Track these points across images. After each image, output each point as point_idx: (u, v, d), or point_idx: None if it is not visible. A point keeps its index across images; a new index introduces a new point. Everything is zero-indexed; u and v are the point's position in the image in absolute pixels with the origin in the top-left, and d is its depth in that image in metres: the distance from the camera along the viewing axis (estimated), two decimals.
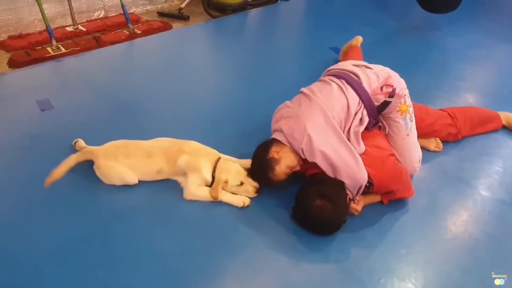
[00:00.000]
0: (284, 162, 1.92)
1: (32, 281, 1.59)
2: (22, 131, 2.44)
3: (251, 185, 2.01)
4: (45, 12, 3.74)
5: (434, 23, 4.64)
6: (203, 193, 1.99)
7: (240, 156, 2.19)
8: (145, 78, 3.19)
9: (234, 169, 2.02)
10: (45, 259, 1.68)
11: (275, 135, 2.00)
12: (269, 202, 2.02)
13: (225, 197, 1.99)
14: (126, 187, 2.03)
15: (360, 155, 1.90)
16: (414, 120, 2.19)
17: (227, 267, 1.71)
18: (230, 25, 4.62)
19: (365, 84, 2.05)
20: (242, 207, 1.97)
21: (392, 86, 2.07)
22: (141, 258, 1.71)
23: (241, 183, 2.00)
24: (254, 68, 3.50)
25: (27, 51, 3.68)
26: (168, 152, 2.06)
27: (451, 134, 2.48)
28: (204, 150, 2.11)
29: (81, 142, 2.23)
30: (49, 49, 3.75)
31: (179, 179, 2.08)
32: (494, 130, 2.66)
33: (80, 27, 4.30)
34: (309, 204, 1.78)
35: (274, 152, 1.93)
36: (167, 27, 4.61)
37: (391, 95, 2.06)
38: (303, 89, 2.12)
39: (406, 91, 2.15)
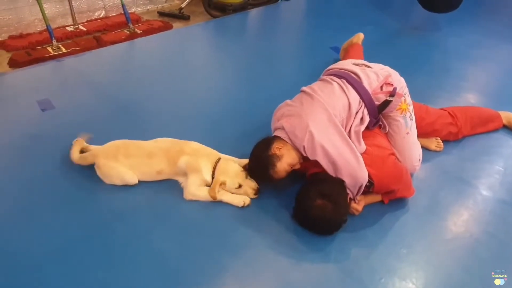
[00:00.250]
0: (285, 159, 1.91)
1: (32, 281, 1.59)
2: (22, 131, 2.44)
3: (250, 187, 2.00)
4: (46, 12, 3.74)
5: (435, 23, 4.63)
6: (203, 193, 1.98)
7: (241, 156, 2.18)
8: (145, 78, 3.19)
9: (233, 171, 2.01)
10: (45, 259, 1.67)
11: (277, 133, 1.99)
12: (269, 202, 2.02)
13: (225, 197, 1.99)
14: (126, 187, 2.03)
15: (360, 154, 1.90)
16: (414, 119, 2.18)
17: (227, 267, 1.71)
18: (230, 25, 4.62)
19: (366, 84, 2.05)
20: (243, 207, 1.97)
21: (392, 84, 2.07)
22: (141, 258, 1.71)
23: (240, 186, 2.00)
24: (254, 68, 3.50)
25: (27, 51, 3.68)
26: (169, 152, 2.06)
27: (452, 134, 2.48)
28: (204, 151, 2.11)
29: (81, 142, 2.22)
30: (49, 49, 3.75)
31: (180, 179, 2.08)
32: (495, 130, 2.66)
33: (81, 27, 4.30)
34: (310, 204, 1.77)
35: (276, 148, 1.92)
36: (168, 27, 4.61)
37: (392, 94, 2.06)
38: (304, 88, 2.11)
39: (406, 90, 2.15)
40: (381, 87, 2.07)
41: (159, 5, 5.33)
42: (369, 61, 2.26)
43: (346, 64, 2.22)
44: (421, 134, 2.31)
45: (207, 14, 5.05)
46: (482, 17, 5.06)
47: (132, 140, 2.13)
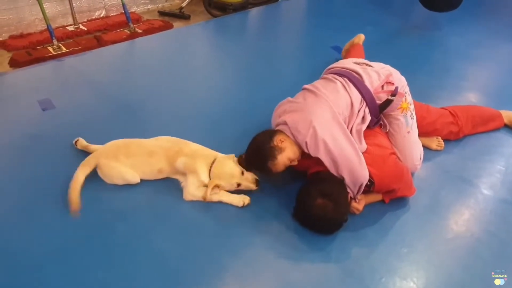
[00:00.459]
0: (286, 153, 1.90)
1: (32, 281, 1.59)
2: (23, 130, 2.44)
3: (249, 182, 1.98)
4: (46, 12, 3.74)
5: (435, 22, 4.62)
6: (202, 194, 1.98)
7: None
8: (146, 77, 3.19)
9: (227, 172, 1.98)
10: (45, 259, 1.67)
11: (279, 128, 1.98)
12: (269, 201, 2.02)
13: (225, 197, 1.99)
14: (126, 186, 2.03)
15: (361, 153, 1.89)
16: (415, 118, 2.18)
17: (228, 266, 1.70)
18: (231, 24, 4.61)
19: (367, 83, 2.05)
20: (242, 207, 1.96)
21: (393, 83, 2.07)
22: (141, 258, 1.71)
23: (238, 185, 1.99)
24: (254, 67, 3.50)
25: (28, 51, 3.68)
26: (168, 152, 2.06)
27: (453, 133, 2.47)
28: (202, 152, 2.10)
29: (82, 141, 2.22)
30: (50, 48, 3.74)
31: (180, 178, 2.08)
32: (496, 129, 2.65)
33: (81, 27, 4.30)
34: (311, 203, 1.77)
35: (278, 140, 1.90)
36: (168, 26, 4.61)
37: (394, 93, 2.05)
38: (307, 86, 2.11)
39: (407, 89, 2.15)
40: (382, 86, 2.06)
41: (160, 5, 5.33)
42: (370, 61, 2.26)
43: (347, 63, 2.22)
44: (422, 133, 2.30)
45: (207, 14, 5.06)
46: (483, 16, 5.05)
47: (133, 139, 2.13)
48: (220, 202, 1.98)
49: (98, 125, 2.50)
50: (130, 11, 4.49)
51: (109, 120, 2.59)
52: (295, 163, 1.96)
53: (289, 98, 2.10)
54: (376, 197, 2.01)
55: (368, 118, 2.04)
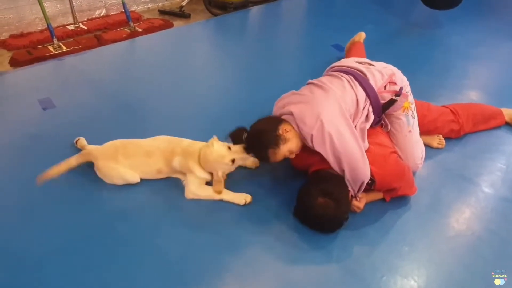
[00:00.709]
0: (289, 144, 1.87)
1: (32, 281, 1.60)
2: (23, 130, 2.44)
3: (241, 153, 1.94)
4: (46, 11, 3.74)
5: (436, 21, 4.61)
6: (203, 192, 1.99)
7: None
8: (146, 76, 3.19)
9: (216, 156, 1.92)
10: (46, 259, 1.68)
11: (284, 118, 1.95)
12: (270, 200, 2.02)
13: (227, 196, 1.99)
14: (127, 186, 2.03)
15: None
16: (416, 117, 2.17)
17: (229, 265, 1.71)
18: (231, 23, 4.61)
19: (372, 82, 2.04)
20: (244, 205, 1.96)
21: (395, 83, 2.06)
22: (142, 257, 1.71)
23: (233, 161, 1.94)
24: (255, 66, 3.49)
25: (28, 50, 3.69)
26: (165, 153, 2.04)
27: (454, 131, 2.47)
28: (188, 150, 2.04)
29: (82, 141, 2.23)
30: (50, 47, 3.75)
31: (181, 176, 2.08)
32: (497, 127, 2.65)
33: (81, 26, 4.30)
34: (311, 202, 1.77)
35: (283, 130, 1.88)
36: (168, 25, 4.61)
37: (398, 94, 2.05)
38: (313, 80, 2.09)
39: (408, 88, 2.14)
40: (385, 86, 2.06)
41: (160, 4, 5.32)
42: (371, 60, 2.25)
43: (350, 62, 2.21)
44: (423, 132, 2.30)
45: (207, 12, 5.05)
46: (484, 15, 5.04)
47: (131, 139, 2.12)
48: (221, 201, 1.98)
49: (99, 124, 2.50)
50: (130, 10, 4.49)
51: (110, 119, 2.59)
52: (293, 156, 1.94)
53: (294, 91, 2.08)
54: (377, 195, 2.01)
55: (372, 117, 2.03)
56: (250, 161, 2.13)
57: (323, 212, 1.75)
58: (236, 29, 4.51)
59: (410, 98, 2.14)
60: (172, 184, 2.07)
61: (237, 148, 1.95)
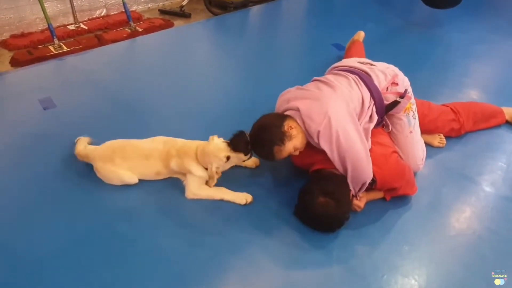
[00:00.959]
0: (294, 142, 1.86)
1: (32, 281, 1.60)
2: (24, 129, 2.44)
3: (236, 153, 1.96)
4: (47, 11, 3.74)
5: (437, 19, 4.61)
6: (204, 192, 1.98)
7: None
8: (146, 76, 3.19)
9: (213, 150, 1.94)
10: (46, 259, 1.68)
11: (289, 113, 1.93)
12: (271, 200, 2.02)
13: (228, 195, 1.99)
14: (127, 186, 2.03)
15: None
16: (417, 118, 2.17)
17: (230, 265, 1.71)
18: (231, 22, 4.61)
19: (376, 82, 2.04)
20: (245, 205, 1.96)
21: (397, 84, 2.06)
22: (142, 257, 1.71)
23: (227, 158, 1.95)
24: (255, 66, 3.49)
25: (29, 50, 3.69)
26: (162, 155, 2.04)
27: (454, 130, 2.47)
28: (184, 149, 2.03)
29: (82, 142, 2.22)
30: (51, 47, 3.75)
31: (181, 177, 2.08)
32: (498, 126, 2.64)
33: (82, 26, 4.30)
34: (312, 202, 1.77)
35: (288, 126, 1.85)
36: (169, 25, 4.61)
37: (402, 96, 2.04)
38: (319, 78, 2.08)
39: (410, 89, 2.13)
40: (387, 88, 2.05)
41: (160, 3, 5.32)
42: (372, 59, 2.25)
43: (352, 62, 2.20)
44: (424, 131, 2.30)
45: (208, 12, 5.05)
46: (485, 12, 5.03)
47: (129, 139, 2.11)
48: (222, 201, 1.98)
49: (99, 124, 2.50)
50: (130, 9, 4.49)
51: (110, 118, 2.59)
52: (297, 153, 1.93)
53: (298, 87, 2.06)
54: (378, 194, 2.01)
55: (375, 117, 2.02)
56: (251, 160, 2.13)
57: (324, 211, 1.75)
58: (236, 29, 4.50)
59: (412, 98, 2.13)
60: (172, 184, 2.07)
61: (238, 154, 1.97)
